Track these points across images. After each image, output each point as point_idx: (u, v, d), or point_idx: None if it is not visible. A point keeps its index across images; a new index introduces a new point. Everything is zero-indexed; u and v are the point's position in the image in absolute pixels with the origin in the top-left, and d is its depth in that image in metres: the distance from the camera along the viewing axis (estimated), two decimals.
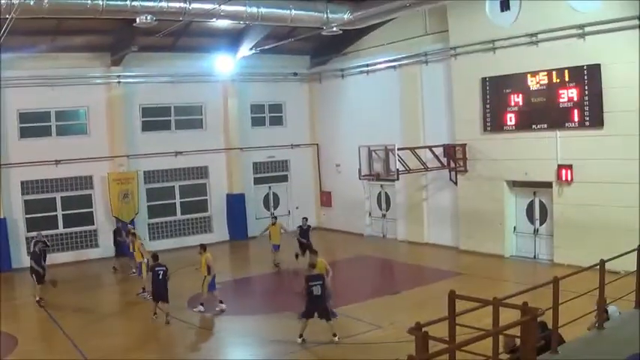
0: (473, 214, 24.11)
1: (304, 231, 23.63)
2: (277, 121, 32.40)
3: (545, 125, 21.19)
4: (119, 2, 19.23)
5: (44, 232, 25.37)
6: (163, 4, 19.84)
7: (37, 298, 19.48)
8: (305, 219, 24.45)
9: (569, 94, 20.32)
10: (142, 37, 24.38)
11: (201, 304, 18.21)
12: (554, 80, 20.71)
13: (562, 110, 20.57)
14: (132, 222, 26.95)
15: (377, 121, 27.91)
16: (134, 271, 22.75)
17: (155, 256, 18.72)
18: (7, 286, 22.37)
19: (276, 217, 25.28)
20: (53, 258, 23.84)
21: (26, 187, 25.68)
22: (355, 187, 29.37)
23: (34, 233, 23.89)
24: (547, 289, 9.47)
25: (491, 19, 22.69)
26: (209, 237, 29.25)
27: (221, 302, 18.20)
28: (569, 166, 20.64)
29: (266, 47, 26.61)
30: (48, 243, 23.18)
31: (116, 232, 24.81)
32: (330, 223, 32.06)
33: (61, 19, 22.70)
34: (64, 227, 26.39)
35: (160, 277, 17.65)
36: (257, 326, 17.11)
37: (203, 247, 18.79)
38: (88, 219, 27.11)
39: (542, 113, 21.24)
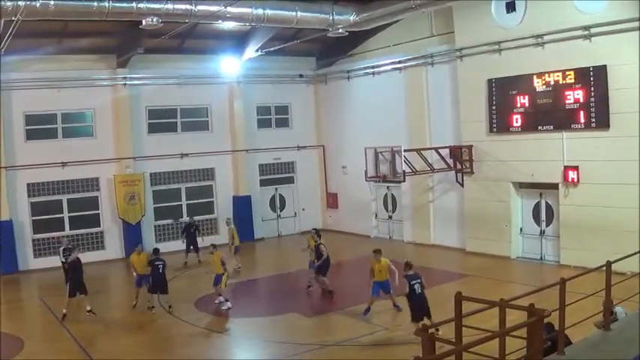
0: (479, 215, 24.06)
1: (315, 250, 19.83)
2: (283, 122, 32.42)
3: (552, 126, 21.13)
4: (125, 4, 19.31)
5: (51, 235, 25.64)
6: (169, 6, 19.91)
7: (65, 311, 17.76)
8: (318, 236, 20.66)
9: (575, 96, 20.26)
10: (148, 39, 24.39)
11: (227, 300, 18.58)
12: (561, 81, 20.65)
13: (568, 111, 20.51)
14: (138, 224, 27.08)
15: (383, 123, 27.90)
16: (239, 266, 23.59)
17: (156, 250, 19.04)
18: (13, 288, 22.44)
19: (316, 230, 21.72)
20: (59, 260, 23.72)
21: (32, 189, 25.73)
22: (361, 189, 29.36)
23: (55, 234, 24.91)
24: (554, 291, 9.45)
25: (497, 21, 22.64)
26: (216, 239, 29.29)
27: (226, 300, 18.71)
28: (576, 168, 20.58)
29: (272, 49, 26.64)
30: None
31: (187, 227, 25.34)
32: (337, 224, 32.03)
33: (67, 22, 22.80)
34: (70, 229, 26.37)
35: (160, 270, 18.10)
36: (263, 328, 17.10)
37: (214, 246, 19.17)
38: (95, 221, 27.13)
39: (549, 114, 21.18)
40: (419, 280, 14.54)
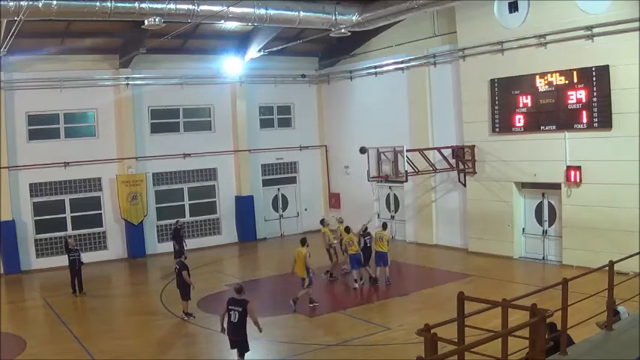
0: (482, 215, 24.05)
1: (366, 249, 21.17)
2: (286, 122, 32.43)
3: (554, 126, 21.11)
4: (127, 4, 19.31)
5: (53, 235, 25.64)
6: (172, 5, 19.90)
7: None
8: (365, 228, 22.09)
9: (577, 96, 20.24)
10: (151, 39, 24.39)
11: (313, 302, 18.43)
12: (563, 81, 20.63)
13: (571, 111, 20.49)
14: (140, 224, 27.11)
15: (385, 123, 27.89)
16: (345, 268, 21.99)
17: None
18: (15, 288, 22.45)
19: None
20: (62, 260, 23.61)
21: (35, 189, 25.74)
22: (364, 189, 29.29)
23: (57, 234, 25.08)
24: (556, 291, 9.44)
25: (500, 21, 22.63)
26: (218, 239, 29.38)
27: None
28: (578, 168, 20.55)
29: (274, 49, 26.62)
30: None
31: (176, 231, 25.19)
32: None
33: (69, 22, 22.83)
34: (72, 229, 26.36)
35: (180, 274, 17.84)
36: (265, 328, 17.03)
37: (303, 242, 18.88)
38: (97, 221, 27.15)
39: (551, 114, 21.16)
40: (240, 309, 12.90)
